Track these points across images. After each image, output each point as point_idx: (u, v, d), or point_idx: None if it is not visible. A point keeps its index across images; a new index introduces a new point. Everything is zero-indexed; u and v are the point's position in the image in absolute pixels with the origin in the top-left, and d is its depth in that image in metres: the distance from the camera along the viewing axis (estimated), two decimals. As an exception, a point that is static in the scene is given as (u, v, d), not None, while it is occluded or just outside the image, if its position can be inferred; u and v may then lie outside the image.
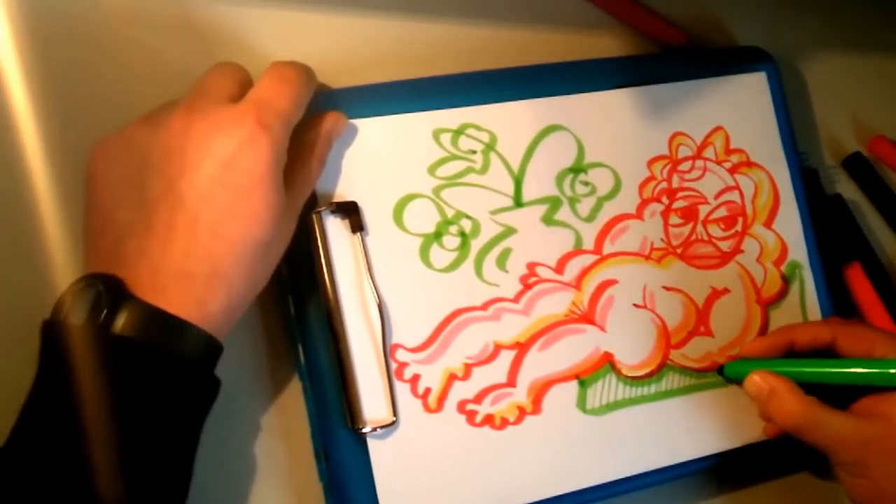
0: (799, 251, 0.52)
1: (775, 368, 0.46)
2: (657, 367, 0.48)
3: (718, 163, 0.51)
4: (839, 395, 0.46)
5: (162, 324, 0.35)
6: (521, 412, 0.46)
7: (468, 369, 0.45)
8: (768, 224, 0.52)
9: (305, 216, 0.43)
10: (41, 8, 0.43)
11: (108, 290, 0.35)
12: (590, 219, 0.48)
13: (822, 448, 0.44)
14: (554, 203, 0.48)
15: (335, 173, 0.44)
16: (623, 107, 0.50)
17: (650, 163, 0.50)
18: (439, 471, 0.44)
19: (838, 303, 0.54)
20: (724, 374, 0.49)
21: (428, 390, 0.44)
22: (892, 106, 0.59)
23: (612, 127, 0.49)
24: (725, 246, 0.51)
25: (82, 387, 0.34)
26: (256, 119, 0.38)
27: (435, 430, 0.44)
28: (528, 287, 0.47)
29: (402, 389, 0.44)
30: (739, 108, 0.52)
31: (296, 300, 0.44)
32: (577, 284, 0.48)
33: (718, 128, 0.52)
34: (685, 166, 0.51)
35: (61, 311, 0.35)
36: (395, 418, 0.43)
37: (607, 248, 0.48)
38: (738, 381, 0.48)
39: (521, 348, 0.46)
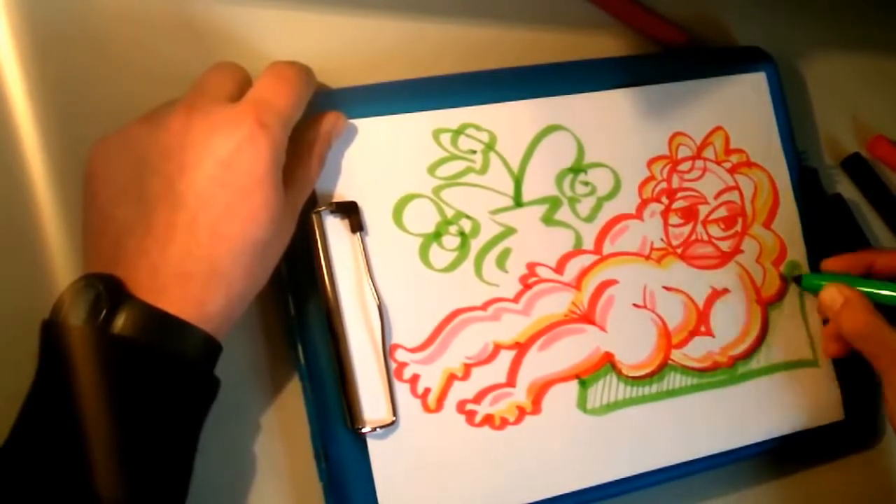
0: (798, 251, 0.52)
1: (852, 284, 0.50)
2: (658, 366, 0.48)
3: (718, 163, 0.51)
4: None
5: (161, 324, 0.35)
6: (521, 412, 0.46)
7: (468, 369, 0.45)
8: (768, 224, 0.52)
9: (305, 216, 0.43)
10: (40, 7, 0.43)
11: (107, 290, 0.35)
12: (590, 219, 0.48)
13: (878, 362, 0.47)
14: (554, 203, 0.48)
15: (335, 173, 0.44)
16: (623, 107, 0.50)
17: (650, 163, 0.50)
18: (439, 471, 0.44)
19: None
20: (802, 284, 0.51)
21: (427, 390, 0.44)
22: (892, 106, 0.59)
23: (612, 127, 0.49)
24: (725, 246, 0.51)
25: (81, 387, 0.34)
26: (256, 119, 0.37)
27: (434, 430, 0.44)
28: (527, 287, 0.47)
29: (401, 389, 0.44)
30: (739, 108, 0.52)
31: (295, 300, 0.44)
32: (577, 284, 0.48)
33: (718, 128, 0.52)
34: (685, 166, 0.51)
35: (60, 311, 0.35)
36: (394, 418, 0.43)
37: (607, 249, 0.48)
38: (814, 291, 0.51)
39: (521, 348, 0.46)
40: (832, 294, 0.49)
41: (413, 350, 0.44)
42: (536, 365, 0.46)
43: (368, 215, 0.44)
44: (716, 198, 0.51)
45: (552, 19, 0.52)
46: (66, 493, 0.33)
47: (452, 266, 0.46)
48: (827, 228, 0.54)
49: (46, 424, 0.34)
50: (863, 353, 0.48)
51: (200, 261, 0.36)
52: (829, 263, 0.52)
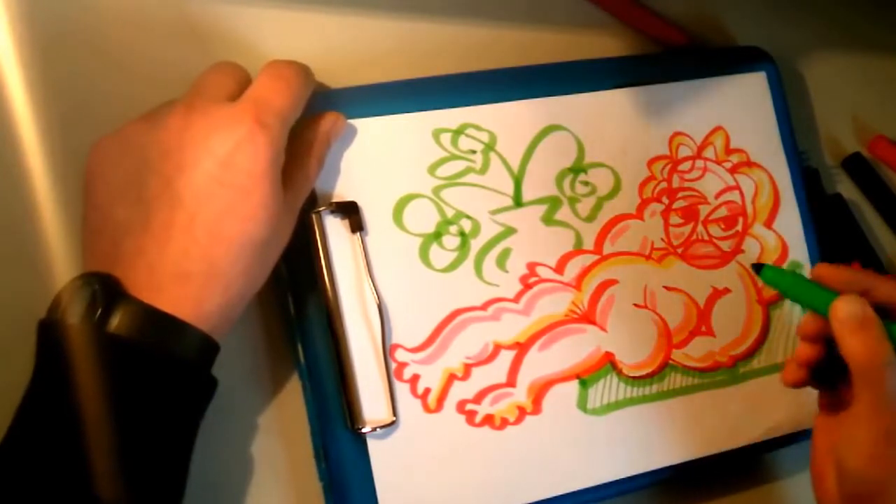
0: (799, 251, 0.52)
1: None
2: (658, 366, 0.48)
3: (718, 163, 0.51)
4: None
5: (158, 323, 0.35)
6: (521, 412, 0.46)
7: (468, 369, 0.45)
8: (768, 224, 0.52)
9: (305, 216, 0.43)
10: (41, 9, 0.43)
11: (103, 289, 0.35)
12: (590, 219, 0.48)
13: (868, 404, 0.38)
14: (554, 203, 0.48)
15: (335, 173, 0.44)
16: (623, 107, 0.50)
17: (650, 163, 0.50)
18: (439, 471, 0.44)
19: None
20: (764, 274, 0.42)
21: (427, 390, 0.44)
22: (892, 106, 0.59)
23: (612, 127, 0.49)
24: (726, 246, 0.51)
25: (78, 386, 0.34)
26: (254, 117, 0.37)
27: (434, 430, 0.44)
28: (528, 287, 0.47)
29: (401, 389, 0.44)
30: (739, 108, 0.52)
31: (295, 300, 0.44)
32: (578, 284, 0.47)
33: (718, 128, 0.52)
34: (685, 166, 0.51)
35: (57, 310, 0.35)
36: (394, 418, 0.43)
37: (607, 248, 0.48)
38: (774, 286, 0.42)
39: (521, 348, 0.46)
40: (854, 308, 0.39)
41: (413, 350, 0.44)
42: (537, 365, 0.46)
43: (368, 215, 0.44)
44: (716, 197, 0.51)
45: (552, 19, 0.52)
46: (61, 491, 0.33)
47: (452, 266, 0.46)
48: (827, 228, 0.54)
49: (43, 423, 0.34)
50: (859, 388, 0.39)
51: (198, 260, 0.36)
52: (824, 270, 0.42)
